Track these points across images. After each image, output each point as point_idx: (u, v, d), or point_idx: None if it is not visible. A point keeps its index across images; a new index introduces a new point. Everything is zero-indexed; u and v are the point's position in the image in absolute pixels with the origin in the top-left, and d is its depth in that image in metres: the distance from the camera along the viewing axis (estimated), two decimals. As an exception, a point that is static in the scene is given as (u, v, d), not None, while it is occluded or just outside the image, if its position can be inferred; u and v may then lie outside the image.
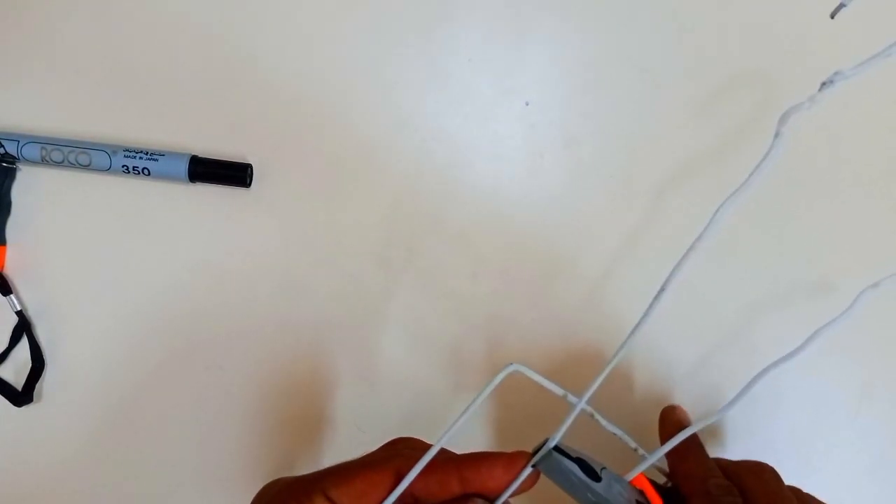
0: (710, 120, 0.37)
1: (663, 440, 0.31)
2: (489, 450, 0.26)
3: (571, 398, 0.28)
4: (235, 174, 0.36)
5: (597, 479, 0.26)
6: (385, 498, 0.25)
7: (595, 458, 0.27)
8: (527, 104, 0.38)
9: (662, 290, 0.28)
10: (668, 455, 0.31)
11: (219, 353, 0.37)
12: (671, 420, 0.35)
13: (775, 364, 0.27)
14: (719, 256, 0.37)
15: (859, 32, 0.38)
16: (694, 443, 0.33)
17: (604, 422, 0.29)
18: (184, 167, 0.36)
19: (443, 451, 0.26)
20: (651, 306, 0.28)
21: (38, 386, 0.37)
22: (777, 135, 0.26)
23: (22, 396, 0.36)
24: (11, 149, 0.36)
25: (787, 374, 0.30)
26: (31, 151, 0.36)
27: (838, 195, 0.37)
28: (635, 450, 0.30)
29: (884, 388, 0.37)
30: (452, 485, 0.25)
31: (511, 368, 0.26)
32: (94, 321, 0.37)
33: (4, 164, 0.36)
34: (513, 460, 0.25)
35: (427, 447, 0.26)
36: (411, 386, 0.38)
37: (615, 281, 0.37)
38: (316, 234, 0.37)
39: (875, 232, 0.37)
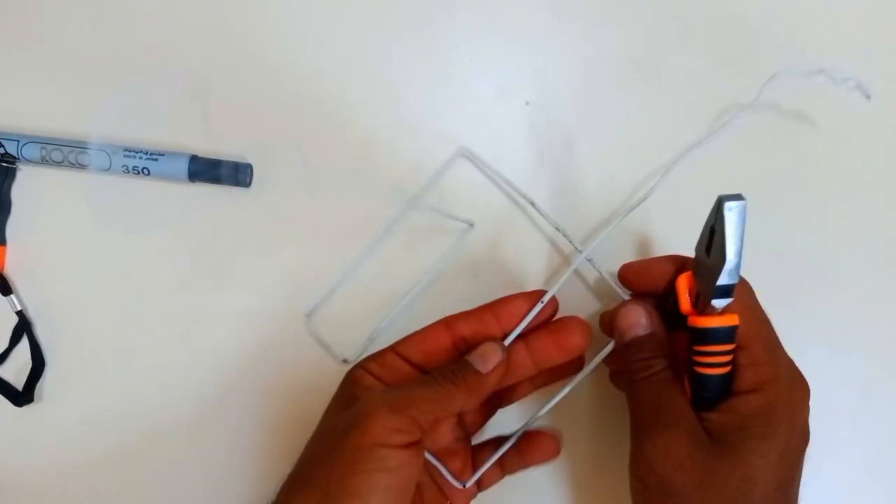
0: (711, 120, 0.37)
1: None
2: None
3: (519, 195, 0.36)
4: (235, 174, 0.36)
5: None
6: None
7: None
8: (527, 104, 0.38)
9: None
10: None
11: (219, 353, 0.37)
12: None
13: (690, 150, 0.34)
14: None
15: (858, 34, 0.38)
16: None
17: (546, 215, 0.35)
18: (184, 167, 0.36)
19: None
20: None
21: (38, 386, 0.37)
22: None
23: (22, 396, 0.36)
24: (11, 149, 0.36)
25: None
26: (31, 151, 0.36)
27: (842, 192, 0.38)
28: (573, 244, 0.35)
29: (884, 388, 0.37)
30: (490, 322, 0.31)
31: (459, 154, 0.36)
32: (94, 321, 0.37)
33: (4, 164, 0.36)
34: (532, 295, 0.32)
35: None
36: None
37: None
38: (316, 234, 0.37)
39: (876, 231, 0.37)
